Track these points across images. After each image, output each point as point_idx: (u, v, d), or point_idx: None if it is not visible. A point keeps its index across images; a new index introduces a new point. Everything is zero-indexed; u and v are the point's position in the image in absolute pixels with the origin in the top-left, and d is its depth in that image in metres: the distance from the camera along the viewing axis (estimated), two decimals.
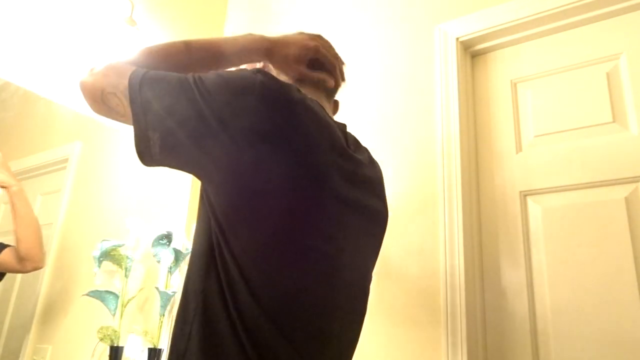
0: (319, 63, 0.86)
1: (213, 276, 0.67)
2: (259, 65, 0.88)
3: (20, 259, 1.30)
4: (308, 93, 0.78)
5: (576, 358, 1.14)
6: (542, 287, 1.23)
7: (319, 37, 0.89)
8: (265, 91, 0.68)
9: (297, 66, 0.83)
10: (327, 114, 0.80)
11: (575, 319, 1.16)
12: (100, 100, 0.71)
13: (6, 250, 1.30)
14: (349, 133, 0.86)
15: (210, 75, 0.70)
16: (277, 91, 0.69)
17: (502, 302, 1.27)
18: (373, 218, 0.86)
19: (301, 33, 0.87)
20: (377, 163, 0.96)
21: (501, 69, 1.46)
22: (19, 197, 1.32)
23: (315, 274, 0.71)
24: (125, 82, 0.68)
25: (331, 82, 0.88)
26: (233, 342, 0.63)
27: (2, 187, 1.31)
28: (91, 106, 0.74)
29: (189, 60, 0.77)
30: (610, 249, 1.16)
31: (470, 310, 1.23)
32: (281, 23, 1.95)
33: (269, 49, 0.82)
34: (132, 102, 0.66)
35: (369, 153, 0.94)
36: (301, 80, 0.84)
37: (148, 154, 0.67)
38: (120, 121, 0.71)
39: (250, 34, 0.83)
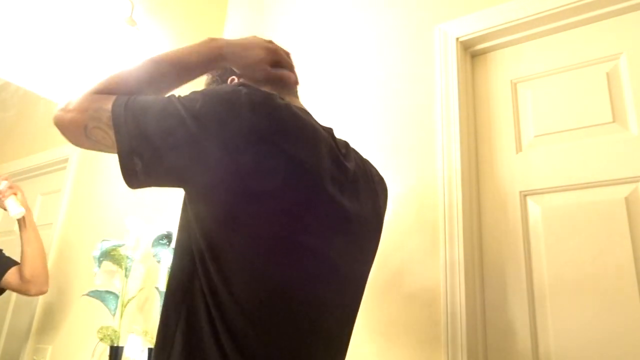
0: (278, 64, 0.90)
1: (196, 287, 0.69)
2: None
3: (26, 281, 1.32)
4: (274, 92, 0.81)
5: (576, 358, 1.14)
6: (542, 287, 1.23)
7: (272, 41, 0.93)
8: (251, 100, 0.70)
9: (262, 67, 0.86)
10: (313, 119, 0.82)
11: (575, 319, 1.16)
12: (84, 135, 0.71)
13: (12, 270, 1.32)
14: (337, 137, 0.88)
15: (192, 94, 0.71)
16: (263, 99, 0.71)
17: (502, 302, 1.27)
18: (365, 220, 0.87)
19: (255, 37, 0.90)
20: (370, 164, 0.97)
21: (501, 69, 1.46)
22: (31, 223, 1.35)
23: (304, 272, 0.73)
24: (108, 113, 0.68)
25: (293, 77, 0.93)
26: (215, 352, 0.65)
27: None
28: (73, 142, 0.73)
29: (159, 76, 0.78)
30: (610, 249, 1.16)
31: (470, 310, 1.23)
32: (281, 23, 1.95)
33: (233, 53, 0.85)
34: (117, 131, 0.67)
35: (360, 155, 0.95)
36: (266, 80, 0.87)
37: (134, 177, 0.68)
38: (106, 152, 0.72)
39: (211, 39, 0.84)
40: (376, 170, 0.98)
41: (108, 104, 0.69)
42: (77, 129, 0.70)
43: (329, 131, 0.85)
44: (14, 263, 1.33)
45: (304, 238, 0.73)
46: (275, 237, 0.70)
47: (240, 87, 0.71)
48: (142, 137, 0.67)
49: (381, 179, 0.98)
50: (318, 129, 0.79)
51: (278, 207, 0.70)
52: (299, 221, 0.72)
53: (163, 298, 0.74)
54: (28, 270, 1.32)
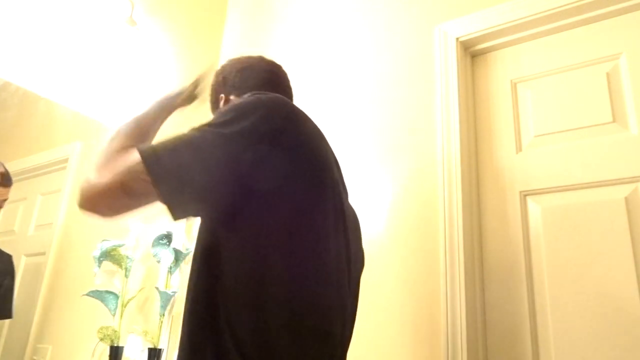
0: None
1: (215, 288, 0.72)
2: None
3: None
4: None
5: (576, 358, 1.14)
6: (542, 287, 1.23)
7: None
8: (271, 104, 0.74)
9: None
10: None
11: (575, 319, 1.16)
12: (122, 193, 0.69)
13: None
14: None
15: (218, 113, 0.75)
16: (282, 104, 0.76)
17: (502, 302, 1.27)
18: (354, 222, 0.94)
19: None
20: None
21: (501, 69, 1.46)
22: None
23: (307, 272, 0.74)
24: (139, 164, 0.67)
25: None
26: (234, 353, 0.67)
27: None
28: (112, 209, 0.71)
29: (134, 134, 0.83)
30: (610, 249, 1.16)
31: (470, 310, 1.23)
32: (280, 24, 1.95)
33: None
34: (152, 172, 0.67)
35: None
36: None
37: (179, 210, 0.71)
38: (146, 202, 0.71)
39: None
40: None
41: (136, 155, 0.68)
42: (114, 189, 0.69)
43: None
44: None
45: (306, 236, 0.74)
46: (278, 235, 0.71)
47: (260, 95, 0.76)
48: (179, 168, 0.68)
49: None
50: (322, 133, 0.83)
51: (281, 206, 0.72)
52: (302, 220, 0.74)
53: (188, 302, 0.76)
54: None
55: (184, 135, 0.71)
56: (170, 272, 1.61)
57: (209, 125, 0.71)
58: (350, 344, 0.87)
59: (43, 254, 1.43)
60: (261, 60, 1.02)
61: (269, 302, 0.69)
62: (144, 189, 0.68)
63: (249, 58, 1.02)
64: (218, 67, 1.05)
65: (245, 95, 0.77)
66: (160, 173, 0.67)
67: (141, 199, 0.71)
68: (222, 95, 0.98)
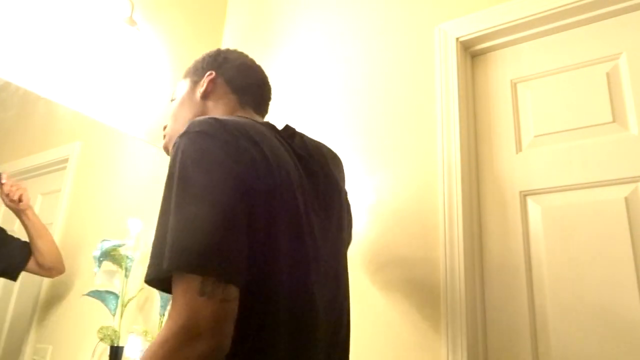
0: None
1: None
2: None
3: (47, 269, 1.40)
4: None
5: (576, 358, 1.14)
6: (542, 287, 1.23)
7: None
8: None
9: None
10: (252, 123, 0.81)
11: (575, 319, 1.16)
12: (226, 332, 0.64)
13: (32, 260, 1.38)
14: (279, 128, 0.89)
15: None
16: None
17: (502, 302, 1.27)
18: (331, 213, 0.89)
19: None
20: (322, 145, 0.98)
21: (501, 69, 1.46)
22: (35, 216, 1.40)
23: (292, 272, 0.74)
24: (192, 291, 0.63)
25: None
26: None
27: (19, 200, 1.36)
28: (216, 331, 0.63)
29: None
30: (610, 249, 1.16)
31: (470, 310, 1.23)
32: (280, 24, 1.95)
33: None
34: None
35: (310, 139, 0.96)
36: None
37: None
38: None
39: None
40: (329, 149, 1.00)
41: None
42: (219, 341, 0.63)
43: (272, 127, 0.86)
44: (29, 248, 1.37)
45: (282, 238, 0.74)
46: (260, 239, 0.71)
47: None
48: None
49: (335, 156, 1.00)
50: (257, 131, 0.78)
51: (259, 210, 0.71)
52: (274, 224, 0.73)
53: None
54: (48, 260, 1.39)
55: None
56: None
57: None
58: (348, 345, 0.87)
59: None
60: (261, 71, 1.05)
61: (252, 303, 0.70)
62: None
63: (252, 65, 1.05)
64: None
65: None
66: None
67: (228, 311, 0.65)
68: (213, 71, 0.98)
